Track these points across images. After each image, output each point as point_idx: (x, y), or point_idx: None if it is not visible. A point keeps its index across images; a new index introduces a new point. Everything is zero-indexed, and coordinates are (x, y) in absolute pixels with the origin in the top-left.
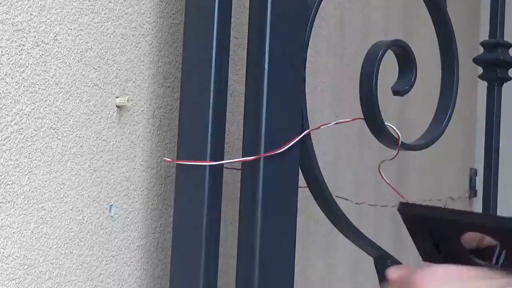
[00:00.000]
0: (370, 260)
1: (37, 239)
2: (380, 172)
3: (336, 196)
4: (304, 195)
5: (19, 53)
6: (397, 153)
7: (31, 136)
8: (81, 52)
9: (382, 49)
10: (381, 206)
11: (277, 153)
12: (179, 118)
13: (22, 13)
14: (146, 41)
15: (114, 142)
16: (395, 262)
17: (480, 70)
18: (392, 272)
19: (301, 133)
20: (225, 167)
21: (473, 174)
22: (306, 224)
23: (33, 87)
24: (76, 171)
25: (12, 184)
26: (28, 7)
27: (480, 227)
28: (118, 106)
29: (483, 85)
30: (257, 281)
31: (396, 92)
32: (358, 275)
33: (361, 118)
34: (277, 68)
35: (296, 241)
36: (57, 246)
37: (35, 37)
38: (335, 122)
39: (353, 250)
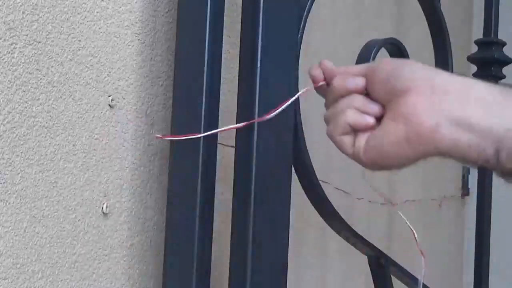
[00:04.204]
0: (364, 258)
1: (30, 238)
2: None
3: (336, 188)
4: (299, 195)
5: (11, 52)
6: None
7: (24, 135)
8: (73, 50)
9: (375, 47)
10: (381, 204)
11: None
12: (171, 117)
13: (15, 11)
14: (138, 39)
15: (107, 141)
16: (389, 260)
17: (473, 68)
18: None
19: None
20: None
21: (465, 172)
22: (299, 222)
23: (26, 85)
24: (69, 170)
25: (4, 183)
26: (21, 6)
27: None
28: (110, 105)
29: None
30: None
31: None
32: (353, 274)
33: None
34: (270, 66)
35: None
36: (49, 245)
37: (27, 35)
38: None
39: (347, 249)
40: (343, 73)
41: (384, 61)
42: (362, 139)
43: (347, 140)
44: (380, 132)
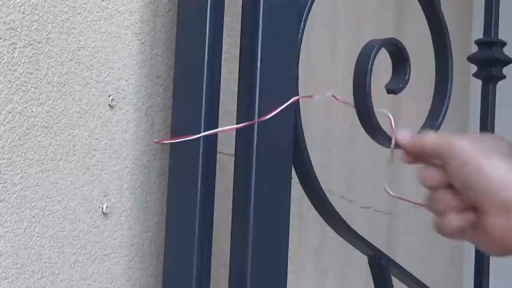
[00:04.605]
0: (364, 258)
1: (30, 238)
2: (385, 188)
3: (342, 196)
4: (299, 195)
5: (11, 52)
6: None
7: (24, 135)
8: (73, 50)
9: (375, 47)
10: (380, 211)
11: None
12: (172, 117)
13: (15, 11)
14: (138, 39)
15: (107, 141)
16: (389, 260)
17: (473, 68)
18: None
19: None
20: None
21: None
22: (299, 222)
23: (26, 85)
24: (69, 170)
25: (4, 183)
26: (21, 6)
27: None
28: (110, 105)
29: (475, 83)
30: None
31: (390, 91)
32: (353, 275)
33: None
34: (270, 66)
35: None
36: (49, 245)
37: (27, 35)
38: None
39: (347, 250)
40: (414, 146)
41: (457, 150)
42: (469, 233)
43: (458, 236)
44: (480, 239)
